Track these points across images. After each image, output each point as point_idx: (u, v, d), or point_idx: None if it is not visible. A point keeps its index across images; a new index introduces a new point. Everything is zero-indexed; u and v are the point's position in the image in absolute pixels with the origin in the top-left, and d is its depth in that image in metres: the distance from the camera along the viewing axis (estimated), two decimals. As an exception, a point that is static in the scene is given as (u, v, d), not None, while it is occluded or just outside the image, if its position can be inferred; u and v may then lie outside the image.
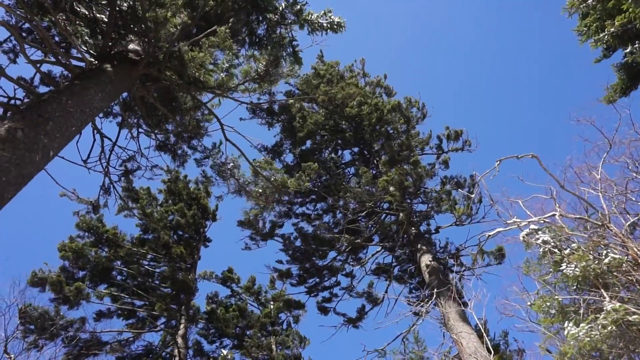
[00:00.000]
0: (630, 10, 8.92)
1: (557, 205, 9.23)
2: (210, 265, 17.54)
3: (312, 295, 14.59)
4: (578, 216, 9.05)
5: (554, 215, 9.09)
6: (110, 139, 9.73)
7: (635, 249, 8.11)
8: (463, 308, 11.01)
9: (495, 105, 36.81)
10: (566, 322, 8.37)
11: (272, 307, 16.43)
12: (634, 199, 9.21)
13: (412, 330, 11.76)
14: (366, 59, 16.24)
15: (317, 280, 14.16)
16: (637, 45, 9.03)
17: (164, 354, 14.87)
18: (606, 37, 9.88)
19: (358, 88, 14.76)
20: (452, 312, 10.88)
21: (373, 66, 26.85)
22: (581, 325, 7.92)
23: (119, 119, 10.19)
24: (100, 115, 9.90)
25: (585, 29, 10.69)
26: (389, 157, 12.71)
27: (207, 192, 17.73)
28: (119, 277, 14.61)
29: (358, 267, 13.65)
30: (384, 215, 13.77)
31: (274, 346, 15.39)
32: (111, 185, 10.69)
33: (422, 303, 12.15)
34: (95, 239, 14.12)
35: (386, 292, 13.04)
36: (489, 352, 10.01)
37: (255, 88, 11.52)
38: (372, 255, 13.88)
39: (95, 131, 9.41)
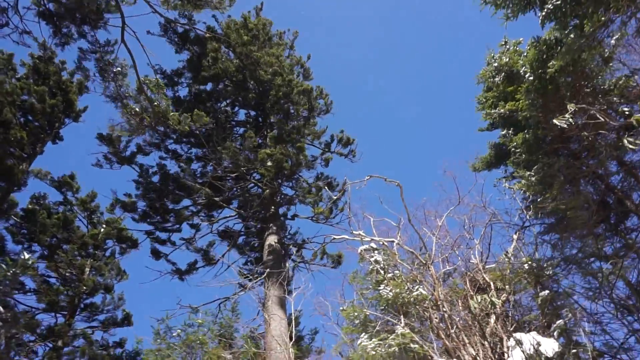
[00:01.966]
0: (521, 100, 10.24)
1: (399, 234, 10.18)
2: (52, 167, 15.63)
3: (151, 237, 13.95)
4: (411, 250, 10.08)
5: (393, 241, 10.00)
6: (-17, -25, 8.16)
7: (440, 293, 9.29)
8: (285, 295, 11.55)
9: (389, 129, 39.37)
10: (363, 333, 9.28)
11: (102, 230, 15.33)
12: (457, 252, 10.59)
13: (232, 299, 11.95)
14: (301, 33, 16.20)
15: (160, 220, 13.57)
16: (510, 131, 10.43)
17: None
18: (495, 114, 11.20)
19: (279, 60, 14.54)
20: (274, 295, 11.32)
21: (306, 43, 26.71)
22: (373, 340, 8.86)
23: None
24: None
25: (484, 100, 12.00)
26: (279, 134, 12.75)
27: (80, 88, 15.85)
28: None
29: (206, 224, 13.45)
30: (252, 185, 13.78)
31: (87, 269, 14.41)
32: (-36, 28, 8.99)
33: (251, 277, 12.45)
34: None
35: (223, 256, 13.09)
36: (291, 339, 10.65)
37: (177, 4, 10.62)
38: (225, 217, 13.81)
39: (-34, -44, 7.82)
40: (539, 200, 9.64)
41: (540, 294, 8.63)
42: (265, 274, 11.88)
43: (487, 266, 10.27)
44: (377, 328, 9.45)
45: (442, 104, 38.64)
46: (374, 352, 8.74)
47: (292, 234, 13.99)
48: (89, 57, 10.95)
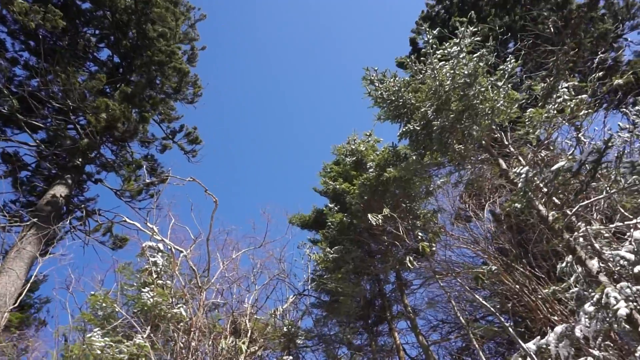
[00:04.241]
0: (355, 187, 11.21)
1: (192, 248, 9.81)
2: None
3: None
4: (194, 268, 9.73)
5: (182, 251, 9.57)
6: None
7: (199, 321, 9.02)
8: (39, 254, 9.99)
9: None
10: (98, 329, 8.45)
11: None
12: (235, 290, 10.57)
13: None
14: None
15: None
16: (336, 208, 11.26)
17: None
18: (331, 187, 12.02)
19: (176, 25, 13.61)
20: (26, 248, 9.71)
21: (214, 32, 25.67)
22: (107, 338, 8.13)
23: None
24: None
25: (329, 170, 12.84)
26: (132, 94, 11.61)
27: None
28: None
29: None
30: (72, 126, 12.06)
31: None
32: None
33: (10, 219, 10.59)
34: None
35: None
36: (16, 303, 9.14)
37: None
38: (20, 142, 11.64)
39: None
40: (325, 276, 10.36)
41: (284, 358, 9.00)
42: (29, 222, 10.18)
43: (255, 315, 10.42)
44: (118, 328, 8.71)
45: (301, 149, 40.51)
46: (99, 352, 7.95)
47: (86, 198, 12.42)
48: None
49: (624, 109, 7.33)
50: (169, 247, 9.30)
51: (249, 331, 9.63)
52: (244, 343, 9.36)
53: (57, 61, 11.40)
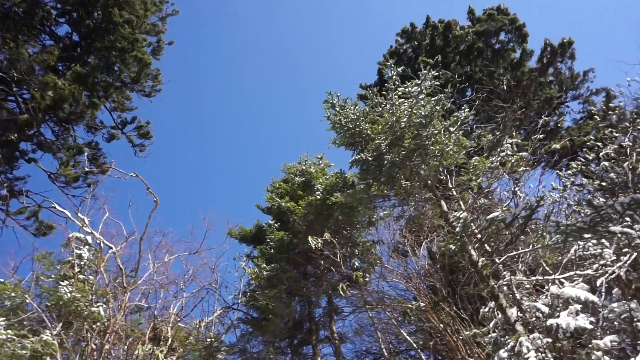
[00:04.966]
0: (300, 208, 11.20)
1: (123, 245, 9.39)
2: None
3: None
4: (122, 267, 9.30)
5: (111, 248, 9.13)
6: None
7: (117, 323, 8.58)
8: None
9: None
10: (4, 319, 7.88)
11: None
12: (162, 295, 10.16)
13: None
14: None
15: None
16: (277, 225, 11.18)
17: None
18: (277, 203, 11.95)
19: (145, 14, 13.23)
20: None
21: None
22: (10, 332, 7.60)
23: None
24: None
25: (277, 187, 12.78)
26: (85, 75, 11.06)
27: None
28: None
29: None
30: (13, 98, 11.28)
31: None
32: None
33: None
34: None
35: None
36: None
37: None
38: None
39: None
40: (257, 292, 10.19)
41: (202, 371, 8.70)
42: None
43: (179, 323, 10.04)
44: (25, 322, 8.11)
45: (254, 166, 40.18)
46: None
47: (15, 177, 11.52)
48: None
49: (558, 171, 7.89)
50: (98, 242, 8.82)
51: (170, 339, 9.25)
52: (161, 351, 8.96)
53: (7, 27, 10.71)
